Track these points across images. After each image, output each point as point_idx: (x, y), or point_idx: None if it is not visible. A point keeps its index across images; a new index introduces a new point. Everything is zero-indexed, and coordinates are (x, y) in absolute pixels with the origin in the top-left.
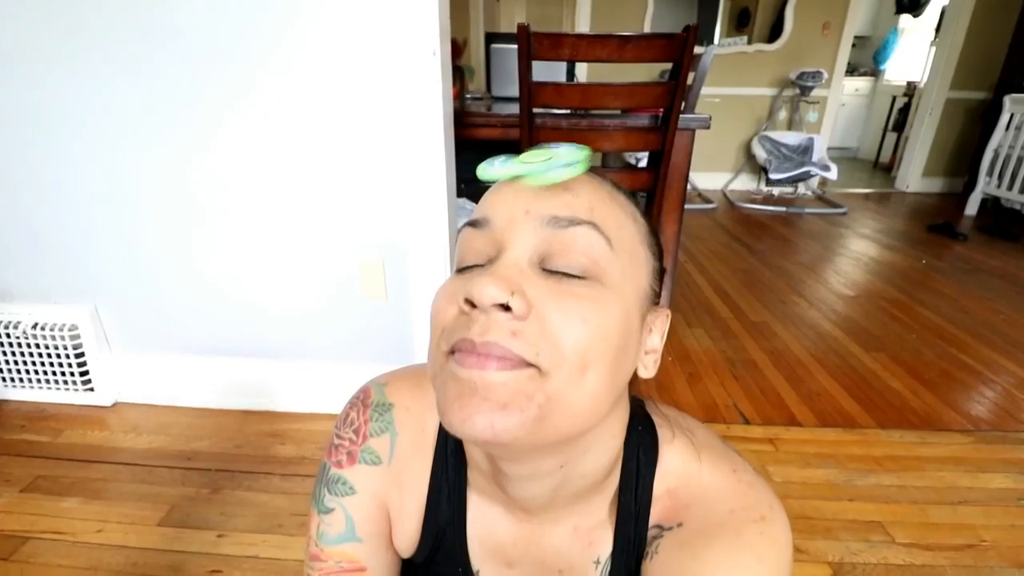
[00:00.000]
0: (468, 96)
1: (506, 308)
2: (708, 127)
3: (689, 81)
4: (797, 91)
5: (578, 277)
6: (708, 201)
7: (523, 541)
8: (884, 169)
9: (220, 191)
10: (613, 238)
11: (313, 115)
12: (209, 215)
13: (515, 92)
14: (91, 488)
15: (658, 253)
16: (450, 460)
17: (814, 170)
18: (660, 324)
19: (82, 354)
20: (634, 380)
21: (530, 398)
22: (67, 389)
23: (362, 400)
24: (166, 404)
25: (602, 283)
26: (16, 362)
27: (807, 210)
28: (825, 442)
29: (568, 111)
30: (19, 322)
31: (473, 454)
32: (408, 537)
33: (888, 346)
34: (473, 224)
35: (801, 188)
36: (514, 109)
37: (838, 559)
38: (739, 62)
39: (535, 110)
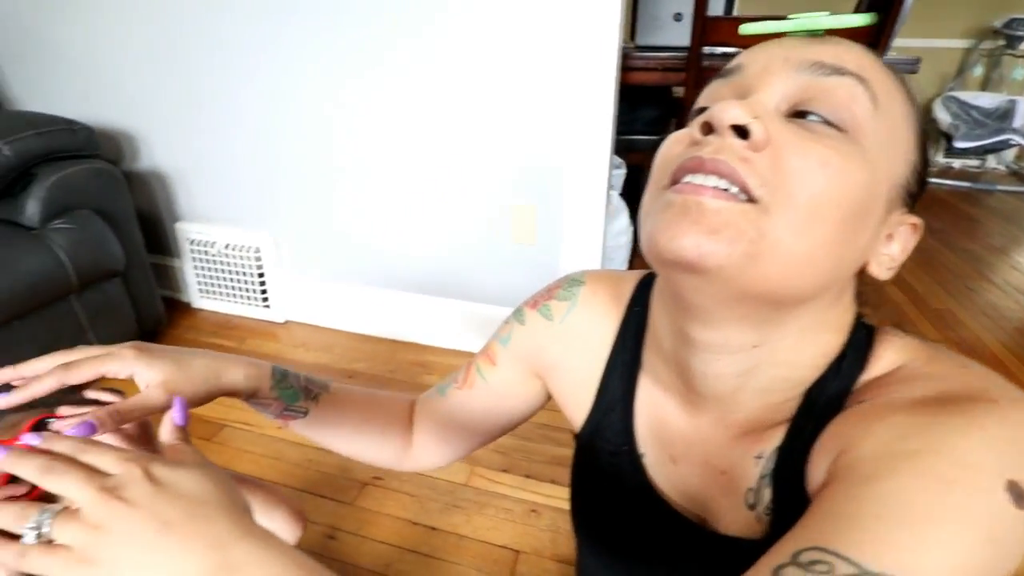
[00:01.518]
0: None
1: (743, 135)
2: (916, 70)
3: None
4: (1002, 42)
5: (829, 125)
6: None
7: (690, 437)
8: None
9: (385, 133)
10: (880, 100)
11: (475, 55)
12: (374, 156)
13: (662, 40)
14: None
15: (923, 152)
16: (628, 343)
17: (1015, 139)
18: (904, 235)
19: (263, 274)
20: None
21: (743, 232)
22: (249, 304)
23: (566, 276)
24: (328, 326)
25: (855, 141)
26: (210, 277)
27: (999, 187)
28: None
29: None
30: (215, 242)
31: (659, 328)
32: (579, 407)
33: None
34: (722, 75)
35: (991, 161)
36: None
37: None
38: (928, 7)
39: (705, 50)
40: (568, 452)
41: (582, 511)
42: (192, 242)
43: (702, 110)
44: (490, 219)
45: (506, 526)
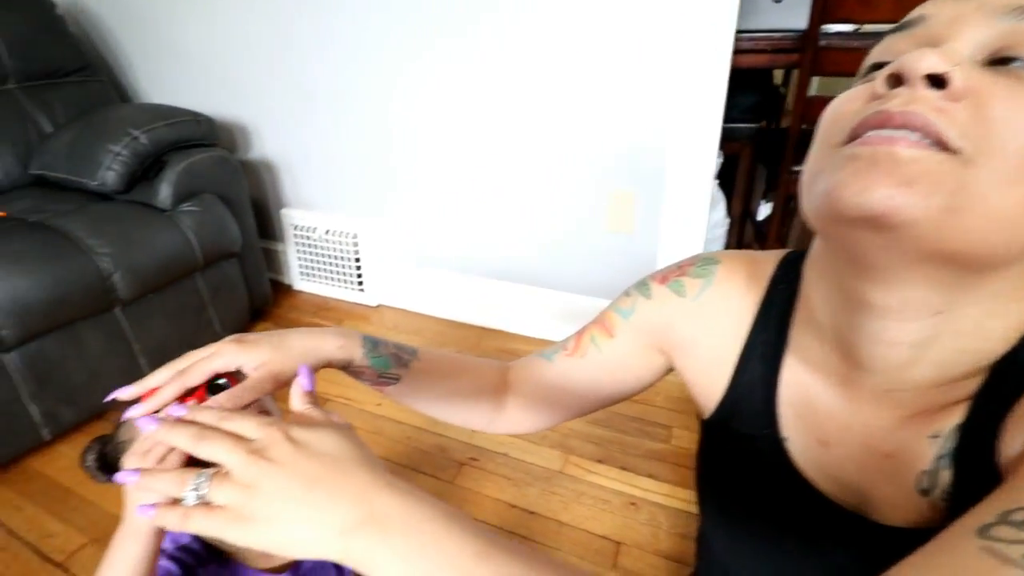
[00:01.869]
0: None
1: (938, 86)
2: None
3: None
4: None
5: None
6: None
7: (846, 419)
8: None
9: (479, 120)
10: None
11: (577, 35)
12: (468, 144)
13: (763, 23)
14: None
15: None
16: (771, 323)
17: None
18: None
19: (359, 259)
20: None
21: (941, 183)
22: (345, 287)
23: (696, 255)
24: (417, 311)
25: None
26: (311, 261)
27: None
28: None
29: (858, 29)
30: (316, 227)
31: (815, 302)
32: (711, 388)
33: None
34: (900, 28)
35: None
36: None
37: None
38: None
39: (825, 28)
40: (663, 447)
41: (713, 494)
42: (296, 227)
43: (876, 67)
44: (585, 206)
45: (605, 517)
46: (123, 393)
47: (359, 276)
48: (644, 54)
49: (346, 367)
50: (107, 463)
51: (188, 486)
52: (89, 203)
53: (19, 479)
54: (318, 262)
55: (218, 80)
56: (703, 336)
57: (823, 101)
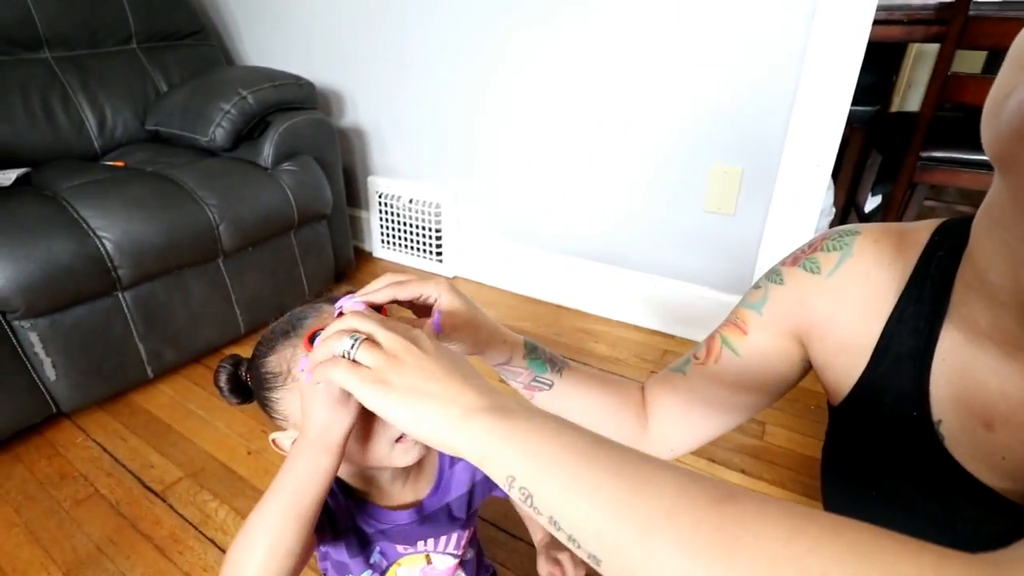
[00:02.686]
0: None
1: None
2: None
3: None
4: None
5: None
6: None
7: (1021, 394)
8: None
9: (572, 91)
10: None
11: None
12: (557, 117)
13: None
14: None
15: None
16: (926, 293)
17: None
18: None
19: (439, 230)
20: None
21: None
22: (424, 257)
23: (830, 230)
24: (493, 285)
25: None
26: (392, 229)
27: None
28: None
29: None
30: (400, 196)
31: (990, 264)
32: (846, 368)
33: None
34: None
35: None
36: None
37: None
38: None
39: None
40: (755, 443)
41: (846, 489)
42: (381, 195)
43: None
44: (681, 183)
45: None
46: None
47: (439, 246)
48: (766, 21)
49: (505, 363)
50: (239, 384)
51: (346, 340)
52: (199, 158)
53: (124, 412)
54: (399, 230)
55: (318, 46)
56: (840, 312)
57: (966, 80)
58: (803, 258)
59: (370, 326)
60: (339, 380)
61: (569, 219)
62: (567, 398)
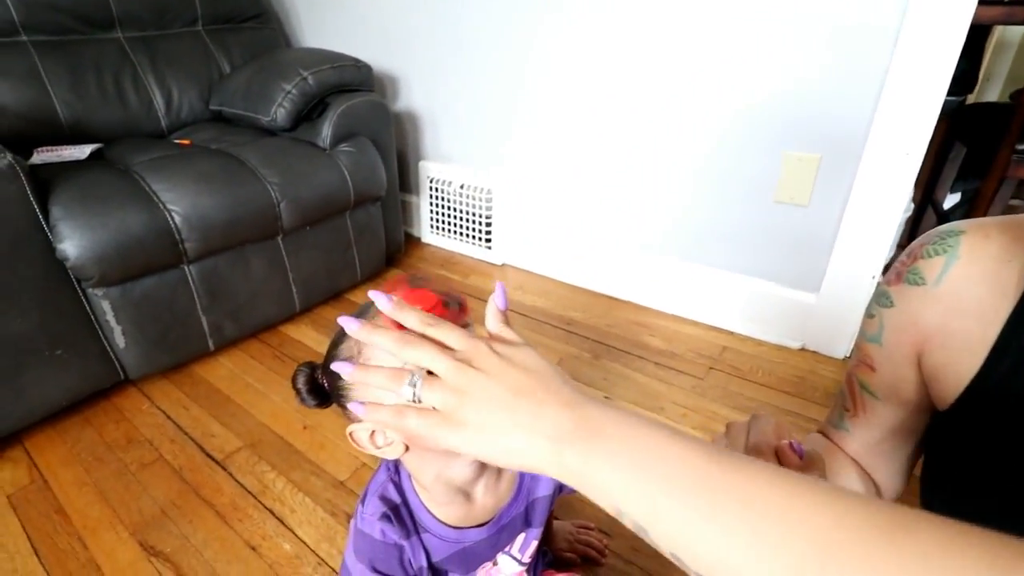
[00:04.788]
0: None
1: None
2: None
3: None
4: None
5: None
6: None
7: None
8: None
9: (631, 73)
10: None
11: None
12: (616, 102)
13: None
14: None
15: None
16: None
17: None
18: None
19: (490, 216)
20: None
21: None
22: (473, 244)
23: (929, 232)
24: (543, 274)
25: None
26: (442, 214)
27: None
28: None
29: None
30: (451, 181)
31: None
32: (958, 375)
33: None
34: None
35: None
36: None
37: None
38: None
39: None
40: None
41: (955, 500)
42: (431, 180)
43: None
44: (749, 170)
45: None
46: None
47: (488, 233)
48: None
49: None
50: (317, 386)
51: (404, 381)
52: (260, 137)
53: (187, 382)
54: (449, 216)
55: (376, 30)
56: (953, 319)
57: None
58: (905, 271)
59: (423, 355)
60: (410, 431)
61: (625, 207)
62: None
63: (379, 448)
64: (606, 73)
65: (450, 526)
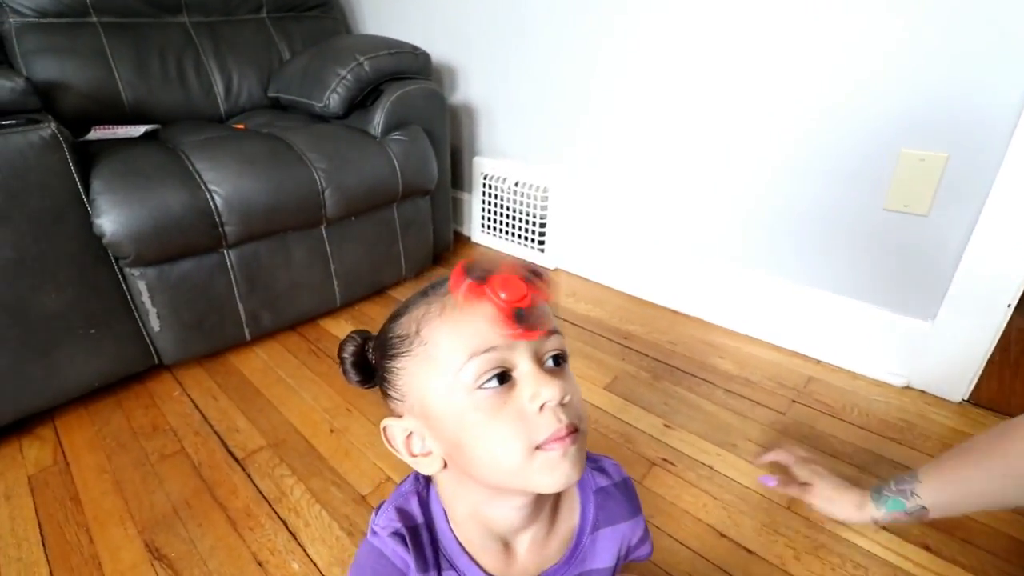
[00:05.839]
0: None
1: None
2: None
3: None
4: None
5: None
6: None
7: None
8: None
9: (699, 58)
10: None
11: None
12: (683, 89)
13: None
14: None
15: None
16: None
17: None
18: None
19: (544, 217)
20: None
21: None
22: (524, 245)
23: None
24: (598, 281)
25: None
26: (494, 213)
27: None
28: None
29: None
30: (506, 178)
31: None
32: None
33: None
34: None
35: None
36: None
37: None
38: None
39: None
40: None
41: None
42: (485, 176)
43: None
44: (852, 171)
45: None
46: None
47: (542, 235)
48: None
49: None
50: (363, 361)
51: None
52: (312, 122)
53: (219, 371)
54: (501, 215)
55: (437, 19)
56: None
57: None
58: None
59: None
60: None
61: (694, 209)
62: (954, 505)
63: (414, 457)
64: (682, 58)
65: (484, 571)
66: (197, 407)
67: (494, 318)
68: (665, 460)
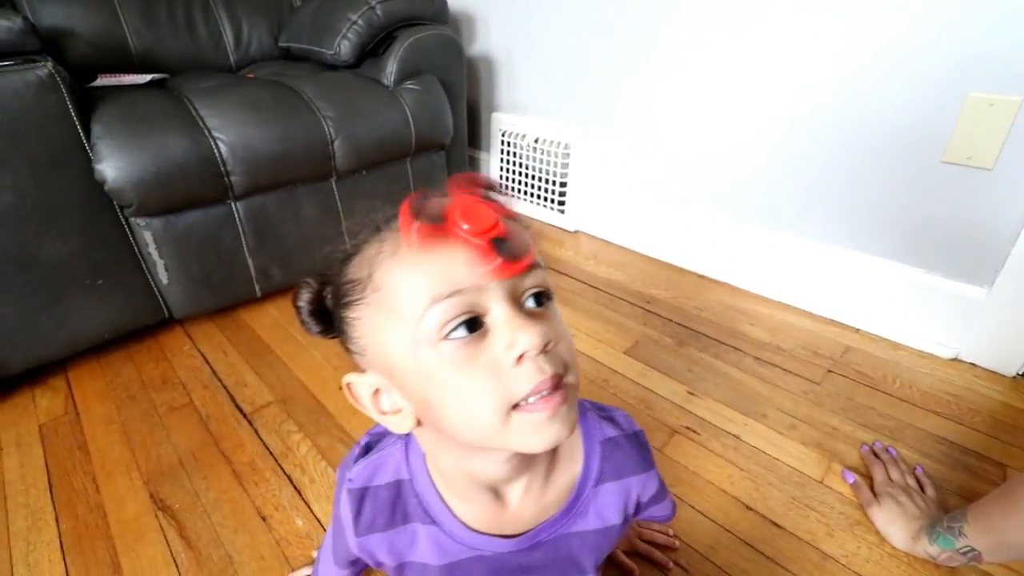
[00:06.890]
0: None
1: None
2: None
3: None
4: None
5: None
6: None
7: None
8: None
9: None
10: None
11: None
12: (712, 35)
13: None
14: (562, 296)
15: None
16: None
17: None
18: None
19: (565, 175)
20: None
21: None
22: (544, 206)
23: None
24: (620, 244)
25: None
26: (512, 172)
27: None
28: None
29: None
30: (525, 134)
31: None
32: None
33: None
34: None
35: None
36: None
37: None
38: None
39: None
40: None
41: None
42: (504, 133)
43: None
44: (904, 118)
45: (899, 570)
46: None
47: (562, 195)
48: None
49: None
50: (321, 308)
51: None
52: (321, 71)
53: (230, 326)
54: (519, 174)
55: None
56: None
57: None
58: None
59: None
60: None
61: (724, 168)
62: (1005, 547)
63: (383, 414)
64: (704, 7)
65: (468, 526)
66: (207, 361)
67: (466, 257)
68: (688, 428)
